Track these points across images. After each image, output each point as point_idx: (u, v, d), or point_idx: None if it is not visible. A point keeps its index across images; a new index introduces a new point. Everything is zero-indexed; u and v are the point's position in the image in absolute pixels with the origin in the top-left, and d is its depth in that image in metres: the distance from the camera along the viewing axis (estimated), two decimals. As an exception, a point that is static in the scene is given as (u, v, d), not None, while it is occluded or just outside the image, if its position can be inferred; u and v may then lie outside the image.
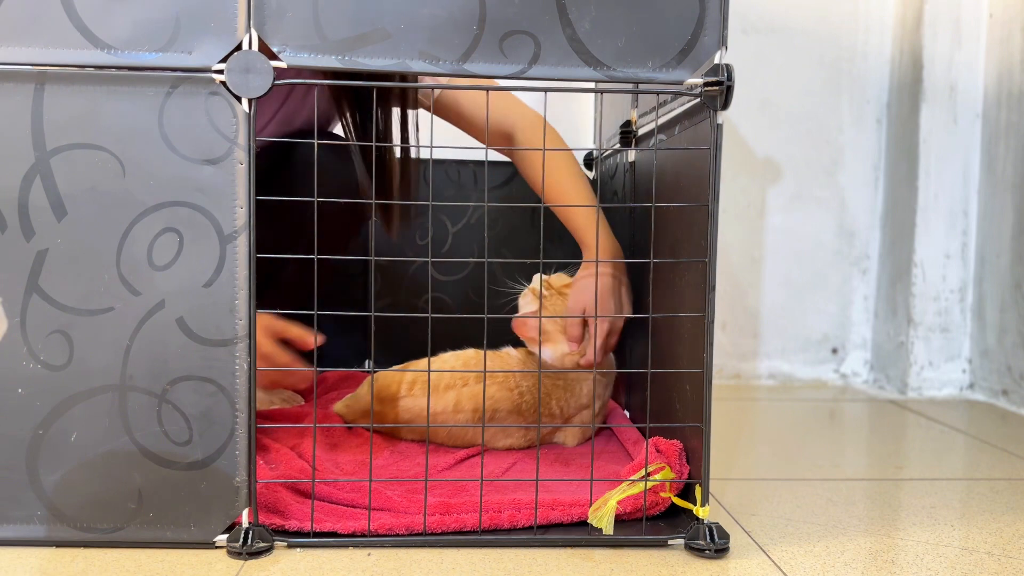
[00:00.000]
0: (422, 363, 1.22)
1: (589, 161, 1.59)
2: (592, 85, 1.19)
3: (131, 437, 0.82)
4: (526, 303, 1.22)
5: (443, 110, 1.23)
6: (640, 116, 1.28)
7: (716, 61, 0.84)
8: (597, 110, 1.61)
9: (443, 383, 1.14)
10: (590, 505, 0.88)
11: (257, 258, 0.82)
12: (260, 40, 0.80)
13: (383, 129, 1.17)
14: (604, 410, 1.24)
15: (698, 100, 0.85)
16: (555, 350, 1.16)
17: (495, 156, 1.64)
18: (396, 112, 1.17)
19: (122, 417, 0.82)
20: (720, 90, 0.83)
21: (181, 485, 0.82)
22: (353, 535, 0.85)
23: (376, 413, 1.16)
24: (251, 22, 0.79)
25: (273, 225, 0.99)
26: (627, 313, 1.16)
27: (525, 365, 1.17)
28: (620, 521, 0.88)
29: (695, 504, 0.87)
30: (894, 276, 1.90)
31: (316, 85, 1.03)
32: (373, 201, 0.89)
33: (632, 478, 0.90)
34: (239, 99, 0.80)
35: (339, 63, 0.81)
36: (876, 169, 1.96)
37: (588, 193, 1.18)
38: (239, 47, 0.79)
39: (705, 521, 0.86)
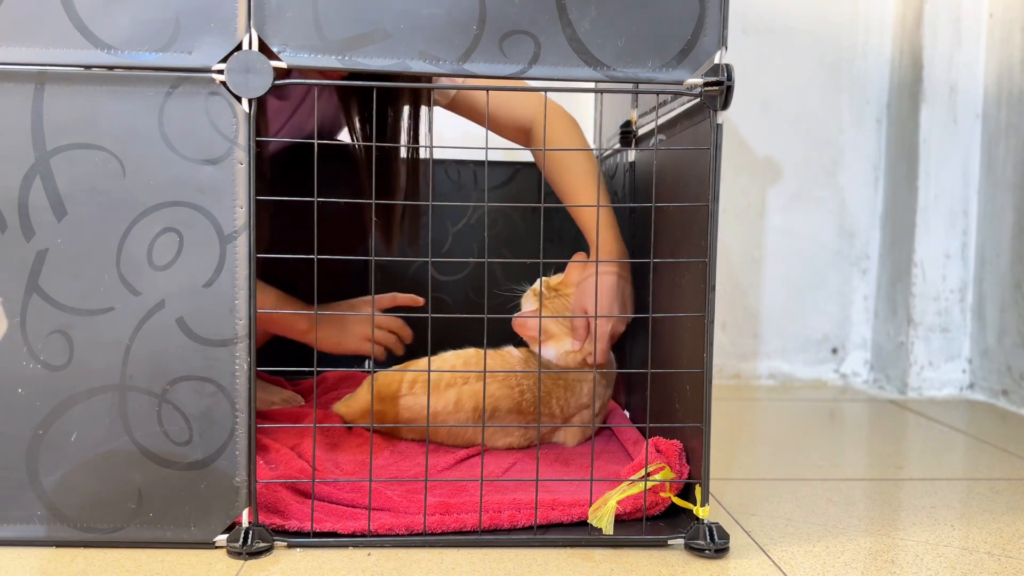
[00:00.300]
0: (423, 362, 1.22)
1: (589, 161, 1.58)
2: (592, 85, 1.19)
3: (131, 437, 0.82)
4: (528, 304, 1.22)
5: (460, 106, 1.22)
6: (640, 116, 1.28)
7: (716, 61, 0.84)
8: (597, 110, 1.61)
9: (444, 381, 1.14)
10: (590, 505, 0.88)
11: (258, 258, 0.82)
12: (260, 40, 0.80)
13: (391, 130, 1.17)
14: (604, 410, 1.24)
15: (698, 100, 0.85)
16: (557, 349, 1.16)
17: (495, 156, 1.64)
18: (407, 110, 1.16)
19: (122, 417, 0.82)
20: (720, 90, 0.83)
21: (181, 485, 0.82)
22: (353, 535, 0.85)
23: (377, 411, 1.16)
24: (251, 22, 0.79)
25: (289, 230, 1.00)
26: (629, 313, 1.15)
27: (527, 364, 1.17)
28: (620, 521, 0.88)
29: (695, 504, 0.87)
30: (894, 276, 1.90)
31: (325, 86, 1.03)
32: (373, 201, 0.89)
33: (632, 478, 0.90)
34: (239, 99, 0.80)
35: (339, 63, 0.81)
36: (876, 169, 1.96)
37: (603, 192, 1.18)
38: (239, 47, 0.79)
39: (705, 521, 0.86)
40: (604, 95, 1.49)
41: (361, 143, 1.19)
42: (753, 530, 0.93)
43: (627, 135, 1.33)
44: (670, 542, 0.87)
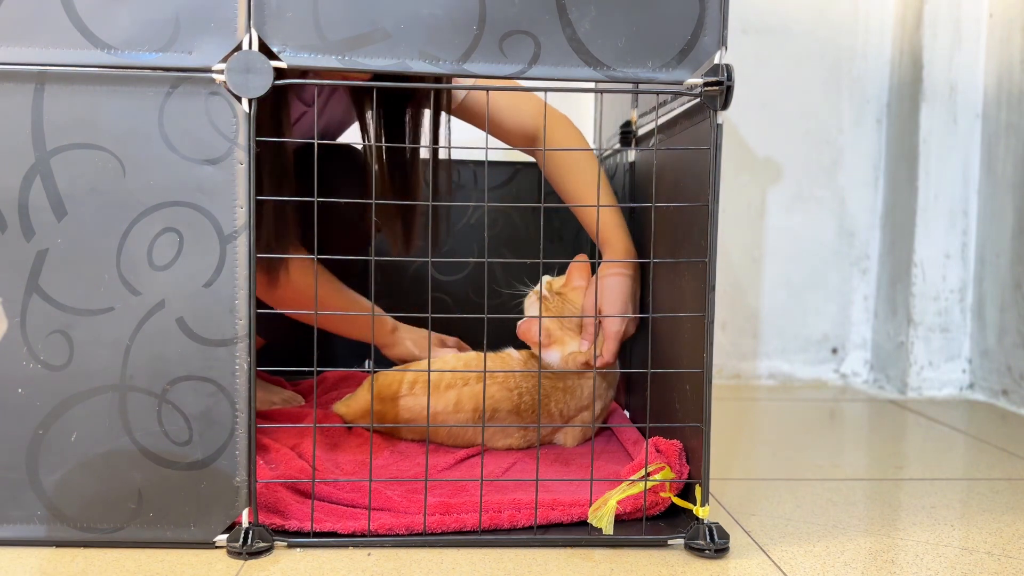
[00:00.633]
0: (422, 363, 1.23)
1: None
2: (592, 85, 1.19)
3: (131, 437, 0.82)
4: (531, 306, 1.21)
5: (466, 112, 1.22)
6: (640, 116, 1.28)
7: (716, 61, 0.84)
8: (597, 110, 1.61)
9: (444, 382, 1.14)
10: (590, 505, 0.88)
11: (258, 257, 0.82)
12: (260, 40, 0.80)
13: (412, 133, 1.17)
14: (606, 412, 1.24)
15: (698, 100, 0.85)
16: (561, 352, 1.15)
17: (495, 156, 1.64)
18: (427, 114, 1.16)
19: (122, 417, 0.82)
20: (720, 90, 0.83)
21: (181, 485, 0.82)
22: (353, 535, 0.85)
23: (376, 412, 1.16)
24: (251, 22, 0.79)
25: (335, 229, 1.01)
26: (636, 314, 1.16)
27: (527, 367, 1.17)
28: (620, 521, 0.88)
29: (695, 504, 0.87)
30: (894, 276, 1.90)
31: (336, 86, 1.03)
32: (373, 201, 0.89)
33: (632, 478, 0.90)
34: (239, 99, 0.80)
35: (339, 63, 0.81)
36: (876, 169, 1.96)
37: (608, 193, 1.19)
38: (239, 47, 0.79)
39: (705, 521, 0.86)
40: (604, 95, 1.49)
41: (367, 144, 1.19)
42: (753, 530, 0.93)
43: (627, 135, 1.33)
44: (670, 542, 0.87)
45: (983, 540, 0.92)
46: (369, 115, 1.18)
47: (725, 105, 0.83)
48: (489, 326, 0.92)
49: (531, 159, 1.63)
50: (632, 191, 1.30)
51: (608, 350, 1.12)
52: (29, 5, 0.78)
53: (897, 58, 1.91)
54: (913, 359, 1.83)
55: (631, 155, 1.31)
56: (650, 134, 1.19)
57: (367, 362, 1.53)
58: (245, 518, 0.83)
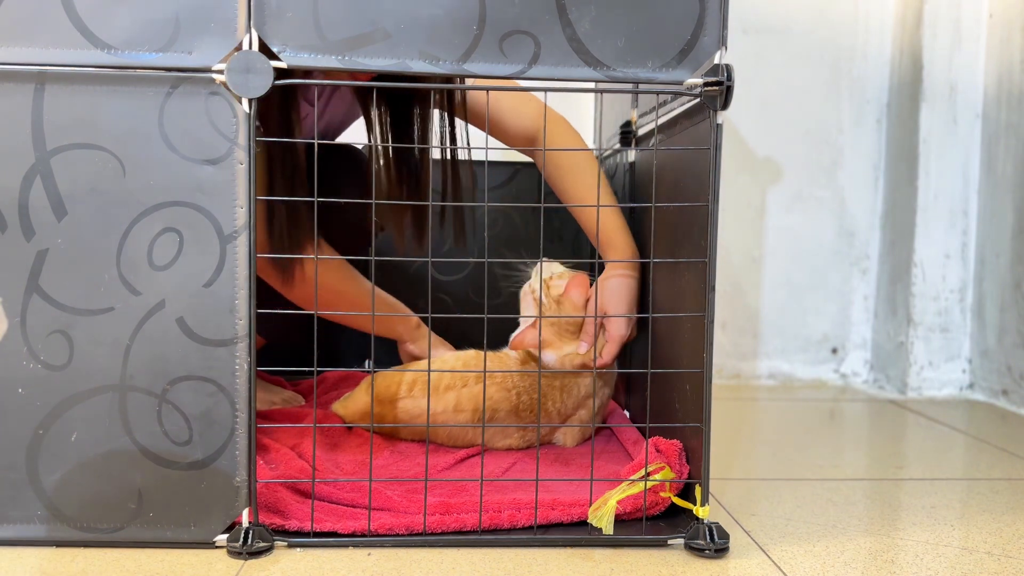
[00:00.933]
0: (421, 364, 1.22)
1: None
2: (592, 85, 1.19)
3: (131, 437, 0.82)
4: (526, 304, 1.21)
5: (468, 113, 1.22)
6: (640, 116, 1.28)
7: (716, 61, 0.84)
8: (597, 110, 1.61)
9: (443, 384, 1.14)
10: (590, 505, 0.88)
11: (259, 257, 0.82)
12: (260, 40, 0.80)
13: (420, 131, 1.17)
14: (604, 410, 1.24)
15: (698, 100, 0.85)
16: (557, 353, 1.15)
17: (495, 156, 1.64)
18: (436, 113, 1.17)
19: (122, 417, 0.82)
20: (720, 90, 0.83)
21: (181, 485, 0.82)
22: (353, 535, 0.85)
23: (375, 414, 1.16)
24: (251, 22, 0.79)
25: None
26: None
27: (523, 366, 1.17)
28: (620, 521, 0.88)
29: (695, 504, 0.87)
30: (894, 276, 1.90)
31: (339, 86, 1.03)
32: (374, 201, 0.89)
33: (632, 478, 0.90)
34: (239, 99, 0.80)
35: (339, 63, 0.81)
36: (876, 169, 1.96)
37: (609, 195, 1.19)
38: (239, 47, 0.79)
39: (705, 521, 0.86)
40: (604, 95, 1.49)
41: (371, 144, 1.19)
42: (753, 530, 0.93)
43: (627, 135, 1.33)
44: (670, 542, 0.87)
45: (983, 540, 0.92)
46: (374, 113, 1.18)
47: (725, 105, 0.83)
48: (489, 326, 0.92)
49: (531, 159, 1.63)
50: (632, 191, 1.30)
51: (608, 352, 1.12)
52: (29, 5, 0.78)
53: (897, 58, 1.91)
54: (913, 359, 1.83)
55: (631, 155, 1.31)
56: (650, 134, 1.19)
57: (367, 362, 1.53)
58: (245, 518, 0.83)
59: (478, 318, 0.90)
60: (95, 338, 0.81)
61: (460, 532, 0.86)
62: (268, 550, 0.82)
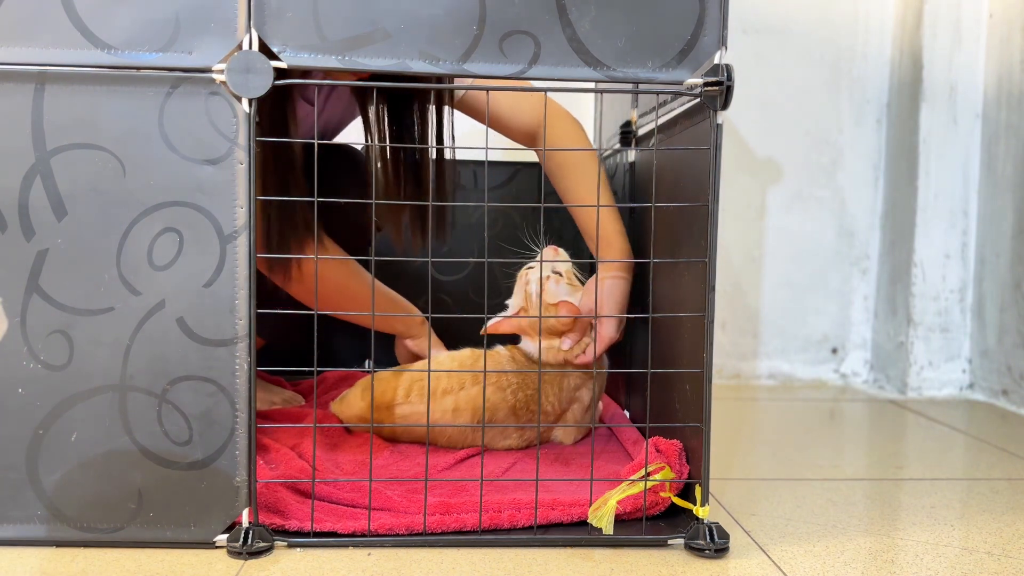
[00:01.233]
0: (417, 365, 1.22)
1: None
2: (592, 85, 1.19)
3: (131, 437, 0.82)
4: (518, 289, 1.20)
5: (468, 107, 1.22)
6: (640, 116, 1.28)
7: (716, 61, 0.84)
8: (597, 110, 1.61)
9: (440, 388, 1.13)
10: (590, 505, 0.88)
11: (258, 258, 0.82)
12: (260, 40, 0.80)
13: (419, 130, 1.17)
14: (599, 400, 1.24)
15: (698, 100, 0.85)
16: (534, 345, 1.16)
17: (495, 156, 1.64)
18: (431, 110, 1.16)
19: (122, 417, 0.82)
20: (720, 90, 0.83)
21: (181, 485, 0.82)
22: (353, 535, 0.85)
23: (368, 421, 1.16)
24: (251, 22, 0.79)
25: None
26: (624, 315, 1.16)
27: (514, 362, 1.17)
28: (620, 521, 0.88)
29: (695, 504, 0.87)
30: (894, 276, 1.90)
31: (336, 86, 1.03)
32: (374, 201, 0.89)
33: (632, 478, 0.90)
34: (239, 99, 0.80)
35: (339, 63, 0.81)
36: (876, 169, 1.96)
37: (607, 194, 1.19)
38: (239, 47, 0.79)
39: (705, 521, 0.86)
40: (604, 95, 1.49)
41: (369, 144, 1.19)
42: (753, 530, 0.93)
43: (627, 135, 1.33)
44: (670, 542, 0.87)
45: (983, 540, 0.92)
46: (372, 112, 1.18)
47: (725, 105, 0.83)
48: (489, 326, 0.92)
49: (531, 159, 1.63)
50: (632, 191, 1.30)
51: (592, 351, 1.13)
52: (29, 5, 0.78)
53: (897, 58, 1.91)
54: (913, 359, 1.83)
55: (631, 155, 1.31)
56: (650, 134, 1.19)
57: (367, 362, 1.53)
58: (245, 518, 0.83)
59: (478, 318, 0.90)
60: (95, 338, 0.81)
61: (460, 532, 0.86)
62: (268, 550, 0.82)
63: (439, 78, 1.14)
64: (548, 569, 0.80)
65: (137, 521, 0.82)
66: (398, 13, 0.81)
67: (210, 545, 0.83)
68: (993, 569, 0.84)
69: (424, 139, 1.17)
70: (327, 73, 1.08)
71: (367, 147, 1.24)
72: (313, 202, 0.84)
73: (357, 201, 1.06)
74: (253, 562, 0.81)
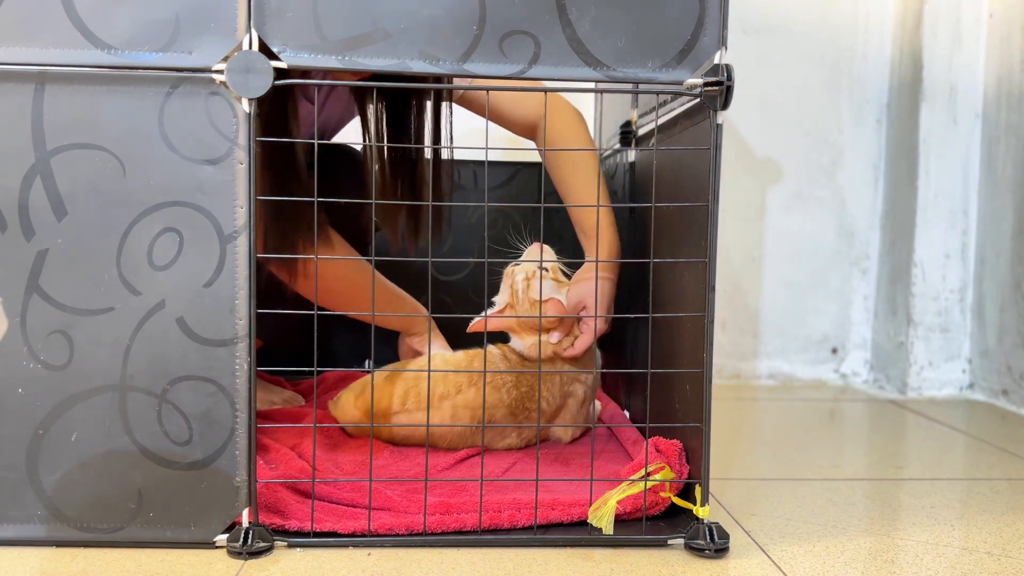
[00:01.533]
0: (414, 363, 1.22)
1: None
2: (592, 85, 1.19)
3: (131, 437, 0.82)
4: (505, 287, 1.19)
5: (470, 102, 1.23)
6: (640, 116, 1.28)
7: (716, 61, 0.84)
8: (597, 110, 1.61)
9: (437, 393, 1.13)
10: (590, 505, 0.88)
11: (258, 258, 0.82)
12: (260, 40, 0.80)
13: (416, 127, 1.17)
14: (594, 394, 1.24)
15: (698, 100, 0.85)
16: (523, 342, 1.16)
17: (495, 156, 1.64)
18: (428, 107, 1.16)
19: (122, 417, 0.82)
20: (720, 90, 0.83)
21: (181, 485, 0.82)
22: (353, 535, 0.85)
23: (364, 430, 1.16)
24: (251, 22, 0.79)
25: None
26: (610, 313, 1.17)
27: (507, 359, 1.17)
28: (620, 521, 0.88)
29: (695, 504, 0.87)
30: (894, 276, 1.90)
31: (335, 85, 1.03)
32: (374, 201, 0.89)
33: (632, 478, 0.90)
34: (239, 99, 0.80)
35: (339, 63, 0.81)
36: (876, 169, 1.96)
37: (604, 193, 1.19)
38: (239, 47, 0.79)
39: (705, 521, 0.86)
40: (604, 95, 1.49)
41: (368, 144, 1.19)
42: (753, 530, 0.93)
43: (627, 135, 1.33)
44: (670, 542, 0.87)
45: (983, 540, 0.92)
46: (371, 112, 1.18)
47: (725, 105, 0.83)
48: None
49: (531, 159, 1.63)
50: (632, 191, 1.30)
51: (582, 343, 1.14)
52: (29, 5, 0.78)
53: (897, 58, 1.91)
54: (913, 359, 1.83)
55: (631, 155, 1.31)
56: (650, 134, 1.19)
57: (367, 362, 1.53)
58: (245, 518, 0.83)
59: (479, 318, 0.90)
60: (95, 338, 0.81)
61: (460, 532, 0.86)
62: (268, 550, 0.82)
63: (439, 78, 1.14)
64: (548, 569, 0.80)
65: (137, 521, 0.82)
66: (398, 13, 0.81)
67: (210, 545, 0.83)
68: (993, 569, 0.84)
69: (421, 139, 1.17)
70: (327, 73, 1.08)
71: (365, 147, 1.24)
72: (313, 202, 0.84)
73: (356, 201, 1.06)
74: (253, 562, 0.81)
